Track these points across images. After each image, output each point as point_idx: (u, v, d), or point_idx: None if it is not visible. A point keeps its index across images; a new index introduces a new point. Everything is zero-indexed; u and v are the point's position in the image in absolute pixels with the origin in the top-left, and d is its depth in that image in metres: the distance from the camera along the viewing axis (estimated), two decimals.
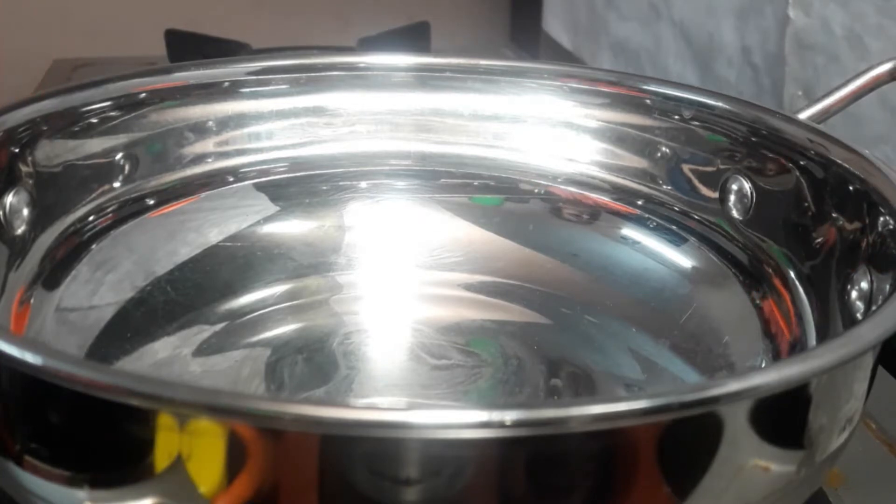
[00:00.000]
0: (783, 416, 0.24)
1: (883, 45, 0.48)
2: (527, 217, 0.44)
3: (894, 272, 0.30)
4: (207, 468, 0.22)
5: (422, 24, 0.75)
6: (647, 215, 0.42)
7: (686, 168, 0.41)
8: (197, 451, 0.21)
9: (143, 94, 0.40)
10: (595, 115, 0.43)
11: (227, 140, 0.43)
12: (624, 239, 0.42)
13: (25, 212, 0.35)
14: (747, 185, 0.38)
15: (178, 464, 0.21)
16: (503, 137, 0.45)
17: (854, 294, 0.32)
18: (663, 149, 0.42)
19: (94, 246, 0.38)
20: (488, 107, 0.45)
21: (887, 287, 0.30)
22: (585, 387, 0.37)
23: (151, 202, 0.41)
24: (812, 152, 0.35)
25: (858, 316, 0.31)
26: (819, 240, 0.35)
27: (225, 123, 0.43)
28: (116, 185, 0.39)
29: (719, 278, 0.39)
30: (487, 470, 0.21)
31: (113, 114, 0.39)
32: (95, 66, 0.79)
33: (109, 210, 0.39)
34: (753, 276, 0.38)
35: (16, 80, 0.78)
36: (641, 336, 0.39)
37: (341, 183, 0.44)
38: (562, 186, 0.44)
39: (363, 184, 0.44)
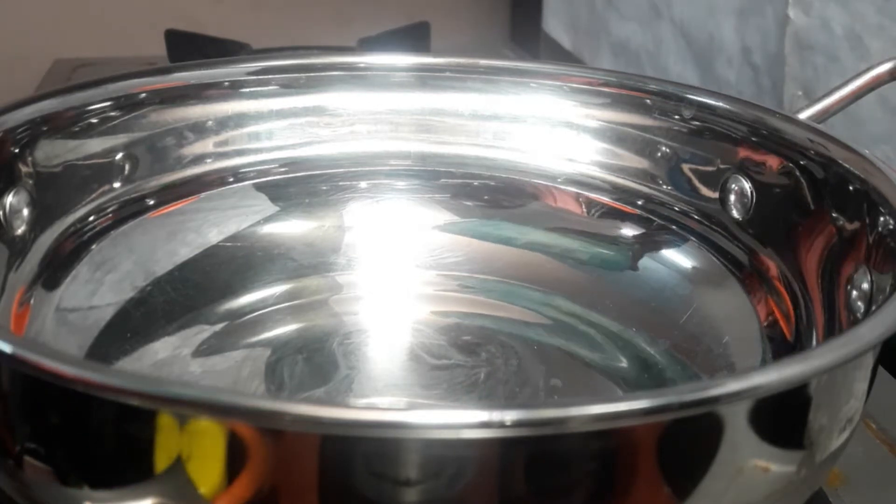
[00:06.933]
0: (783, 416, 0.24)
1: (883, 45, 0.48)
2: (527, 217, 0.44)
3: (894, 272, 0.30)
4: (207, 468, 0.22)
5: (422, 24, 0.75)
6: (647, 215, 0.42)
7: (686, 168, 0.41)
8: (197, 451, 0.21)
9: (143, 94, 0.40)
10: (595, 115, 0.43)
11: (227, 140, 0.43)
12: (624, 239, 0.42)
13: (25, 212, 0.35)
14: (747, 185, 0.38)
15: (178, 464, 0.21)
16: (503, 137, 0.45)
17: (854, 294, 0.32)
18: (663, 149, 0.42)
19: (94, 246, 0.38)
20: (488, 107, 0.45)
21: (887, 287, 0.30)
22: (585, 387, 0.37)
23: (151, 202, 0.41)
24: (812, 152, 0.35)
25: (858, 316, 0.31)
26: (819, 240, 0.35)
27: (225, 123, 0.43)
28: (116, 185, 0.39)
29: (719, 278, 0.39)
30: (487, 470, 0.21)
31: (113, 114, 0.39)
32: (95, 66, 0.79)
33: (109, 210, 0.39)
34: (753, 276, 0.38)
35: (16, 80, 0.78)
36: (641, 336, 0.39)
37: (341, 183, 0.44)
38: (562, 186, 0.44)
39: (363, 184, 0.44)
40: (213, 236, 0.41)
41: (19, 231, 0.35)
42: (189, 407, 0.21)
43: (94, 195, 0.39)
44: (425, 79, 0.45)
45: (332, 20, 0.88)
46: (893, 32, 0.47)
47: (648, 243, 0.42)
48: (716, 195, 0.40)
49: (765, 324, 0.36)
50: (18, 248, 0.35)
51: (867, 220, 0.32)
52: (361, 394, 0.36)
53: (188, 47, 0.71)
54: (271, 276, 0.41)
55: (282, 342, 0.38)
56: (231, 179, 0.43)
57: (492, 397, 0.36)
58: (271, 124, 0.44)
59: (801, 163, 0.36)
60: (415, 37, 0.74)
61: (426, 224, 0.44)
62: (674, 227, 0.41)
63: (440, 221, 0.44)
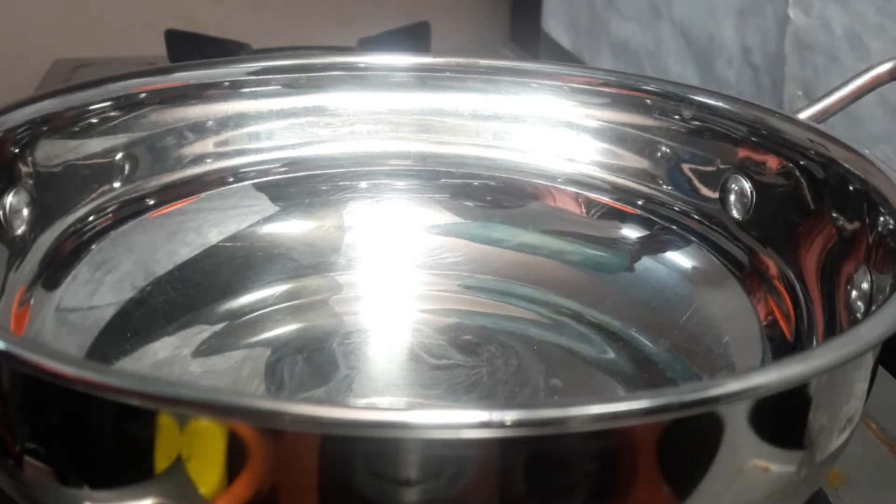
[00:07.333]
0: (783, 416, 0.24)
1: (883, 45, 0.48)
2: (527, 217, 0.44)
3: (894, 272, 0.30)
4: (207, 468, 0.22)
5: (422, 24, 0.75)
6: (647, 215, 0.42)
7: (686, 168, 0.41)
8: (197, 451, 0.21)
9: (143, 94, 0.40)
10: (595, 115, 0.43)
11: (227, 140, 0.43)
12: (624, 239, 0.42)
13: (25, 212, 0.35)
14: (747, 185, 0.38)
15: (178, 464, 0.21)
16: (503, 137, 0.45)
17: (854, 294, 0.32)
18: (663, 149, 0.42)
19: (94, 246, 0.38)
20: (488, 107, 0.45)
21: (887, 287, 0.30)
22: (585, 387, 0.37)
23: (151, 202, 0.41)
24: (812, 152, 0.35)
25: (858, 316, 0.31)
26: (819, 240, 0.35)
27: (225, 123, 0.43)
28: (116, 185, 0.39)
29: (719, 278, 0.39)
30: (487, 470, 0.21)
31: (113, 114, 0.39)
32: (95, 66, 0.79)
33: (109, 210, 0.39)
34: (753, 276, 0.38)
35: (16, 80, 0.78)
36: (641, 336, 0.39)
37: (341, 183, 0.44)
38: (562, 186, 0.44)
39: (363, 184, 0.44)
40: (213, 236, 0.41)
41: (19, 231, 0.35)
42: (189, 407, 0.21)
43: (94, 195, 0.39)
44: (425, 79, 0.45)
45: (332, 20, 0.88)
46: (893, 32, 0.47)
47: (648, 244, 0.42)
48: (716, 195, 0.40)
49: (765, 324, 0.36)
50: (18, 248, 0.35)
51: (867, 220, 0.32)
52: (361, 394, 0.36)
53: (188, 47, 0.71)
54: (271, 276, 0.41)
55: (282, 342, 0.38)
56: (231, 179, 0.43)
57: (492, 397, 0.36)
58: (271, 124, 0.44)
59: (801, 163, 0.36)
60: (415, 37, 0.74)
61: (426, 224, 0.44)
62: (674, 227, 0.41)
63: (440, 221, 0.44)
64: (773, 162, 0.37)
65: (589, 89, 0.43)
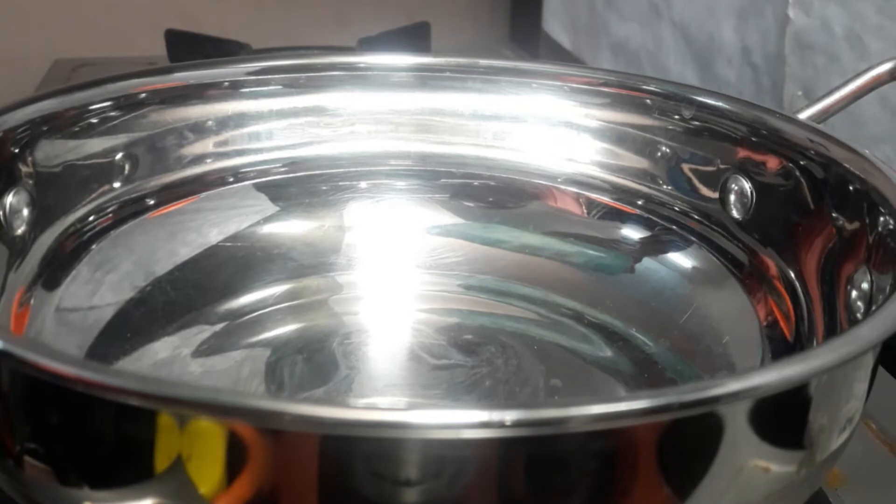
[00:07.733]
0: (783, 417, 0.24)
1: (883, 45, 0.48)
2: (527, 217, 0.44)
3: (894, 272, 0.30)
4: (207, 468, 0.22)
5: (422, 24, 0.75)
6: (647, 215, 0.42)
7: (686, 168, 0.41)
8: (197, 451, 0.21)
9: (143, 94, 0.40)
10: (595, 115, 0.43)
11: (227, 140, 0.43)
12: (625, 240, 0.42)
13: (25, 212, 0.35)
14: (747, 185, 0.38)
15: (178, 464, 0.21)
16: (503, 137, 0.45)
17: (854, 294, 0.32)
18: (663, 149, 0.42)
19: (94, 246, 0.38)
20: (488, 107, 0.45)
21: (887, 287, 0.30)
22: (585, 387, 0.37)
23: (151, 202, 0.41)
24: (812, 152, 0.35)
25: (858, 316, 0.31)
26: (819, 240, 0.35)
27: (225, 123, 0.43)
28: (116, 185, 0.39)
29: (719, 278, 0.39)
30: (487, 470, 0.21)
31: (113, 114, 0.39)
32: (95, 66, 0.79)
33: (109, 210, 0.39)
34: (753, 276, 0.38)
35: (16, 80, 0.78)
36: (641, 336, 0.39)
37: (341, 183, 0.44)
38: (562, 186, 0.44)
39: (363, 184, 0.44)
40: (213, 236, 0.41)
41: (19, 231, 0.35)
42: (189, 407, 0.21)
43: (94, 195, 0.39)
44: (425, 79, 0.45)
45: (332, 20, 0.88)
46: (893, 32, 0.47)
47: (649, 244, 0.42)
48: (716, 195, 0.40)
49: (765, 324, 0.36)
50: (18, 248, 0.35)
51: (867, 220, 0.32)
52: (361, 394, 0.36)
53: (188, 47, 0.71)
54: (271, 276, 0.41)
55: (282, 342, 0.38)
56: (231, 179, 0.43)
57: (492, 397, 0.36)
58: (271, 124, 0.44)
59: (801, 163, 0.36)
60: (415, 37, 0.74)
61: (426, 224, 0.44)
62: (674, 227, 0.41)
63: (440, 222, 0.44)
64: (773, 162, 0.37)
65: (589, 89, 0.43)
